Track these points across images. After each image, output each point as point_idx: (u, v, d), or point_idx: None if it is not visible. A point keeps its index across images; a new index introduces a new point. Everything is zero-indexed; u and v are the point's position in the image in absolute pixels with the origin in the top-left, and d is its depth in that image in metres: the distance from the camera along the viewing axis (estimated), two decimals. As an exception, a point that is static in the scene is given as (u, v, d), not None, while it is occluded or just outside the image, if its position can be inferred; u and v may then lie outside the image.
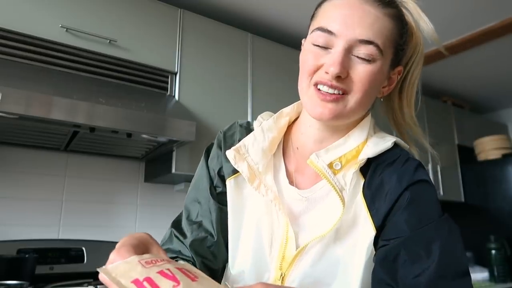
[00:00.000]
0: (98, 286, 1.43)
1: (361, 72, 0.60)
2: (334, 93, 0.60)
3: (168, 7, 1.90)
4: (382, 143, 0.65)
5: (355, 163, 0.64)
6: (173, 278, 0.43)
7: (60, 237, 1.77)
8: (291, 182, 0.68)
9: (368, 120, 0.68)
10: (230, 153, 0.66)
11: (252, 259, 0.66)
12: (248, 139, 0.68)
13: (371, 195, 0.62)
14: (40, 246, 1.64)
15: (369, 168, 0.64)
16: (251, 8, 2.19)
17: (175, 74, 1.87)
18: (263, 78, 2.15)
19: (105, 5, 1.72)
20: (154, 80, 1.81)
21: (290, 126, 0.74)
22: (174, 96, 1.84)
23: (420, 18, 0.69)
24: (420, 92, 0.74)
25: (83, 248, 1.73)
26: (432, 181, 0.63)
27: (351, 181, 0.63)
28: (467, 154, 3.20)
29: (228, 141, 0.73)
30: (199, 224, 0.70)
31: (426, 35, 0.69)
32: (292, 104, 0.74)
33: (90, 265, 1.70)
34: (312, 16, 0.67)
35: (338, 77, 0.59)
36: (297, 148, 0.71)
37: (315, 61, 0.62)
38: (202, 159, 0.76)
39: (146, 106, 1.60)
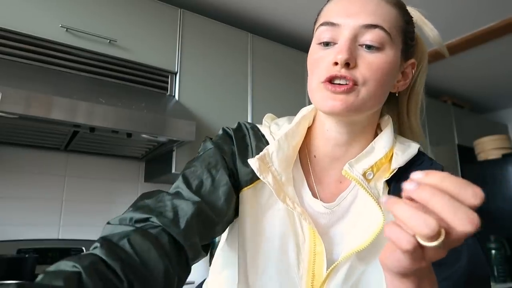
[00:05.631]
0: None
1: (371, 61, 0.57)
2: (344, 84, 0.57)
3: (168, 7, 1.90)
4: (408, 150, 0.64)
5: (383, 170, 0.62)
6: None
7: (60, 237, 1.77)
8: (314, 194, 0.64)
9: (391, 125, 0.67)
10: (254, 162, 0.60)
11: (278, 278, 0.61)
12: (272, 147, 0.63)
13: None
14: (40, 246, 1.64)
15: (392, 175, 0.62)
16: (251, 8, 2.19)
17: (175, 74, 1.87)
18: (263, 78, 2.15)
19: (105, 5, 1.72)
20: (154, 80, 1.81)
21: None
22: (174, 96, 1.84)
23: (424, 25, 0.69)
24: (424, 101, 0.74)
25: (83, 248, 1.72)
26: None
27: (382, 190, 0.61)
28: (467, 154, 3.19)
29: (240, 144, 0.66)
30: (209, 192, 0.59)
31: (432, 41, 0.69)
32: (306, 108, 0.70)
33: (90, 265, 1.70)
34: (315, 22, 0.66)
35: (346, 65, 0.56)
36: (315, 156, 0.67)
37: (322, 59, 0.60)
38: (213, 147, 0.65)
39: (146, 106, 1.60)
